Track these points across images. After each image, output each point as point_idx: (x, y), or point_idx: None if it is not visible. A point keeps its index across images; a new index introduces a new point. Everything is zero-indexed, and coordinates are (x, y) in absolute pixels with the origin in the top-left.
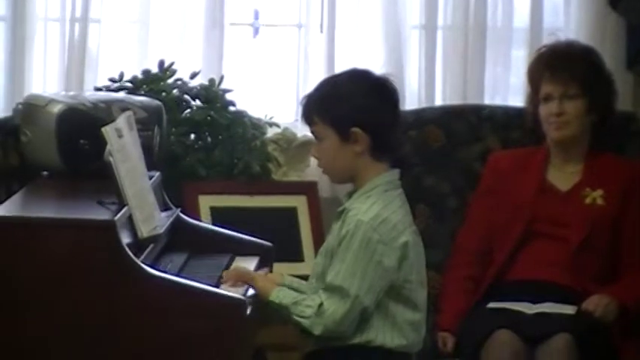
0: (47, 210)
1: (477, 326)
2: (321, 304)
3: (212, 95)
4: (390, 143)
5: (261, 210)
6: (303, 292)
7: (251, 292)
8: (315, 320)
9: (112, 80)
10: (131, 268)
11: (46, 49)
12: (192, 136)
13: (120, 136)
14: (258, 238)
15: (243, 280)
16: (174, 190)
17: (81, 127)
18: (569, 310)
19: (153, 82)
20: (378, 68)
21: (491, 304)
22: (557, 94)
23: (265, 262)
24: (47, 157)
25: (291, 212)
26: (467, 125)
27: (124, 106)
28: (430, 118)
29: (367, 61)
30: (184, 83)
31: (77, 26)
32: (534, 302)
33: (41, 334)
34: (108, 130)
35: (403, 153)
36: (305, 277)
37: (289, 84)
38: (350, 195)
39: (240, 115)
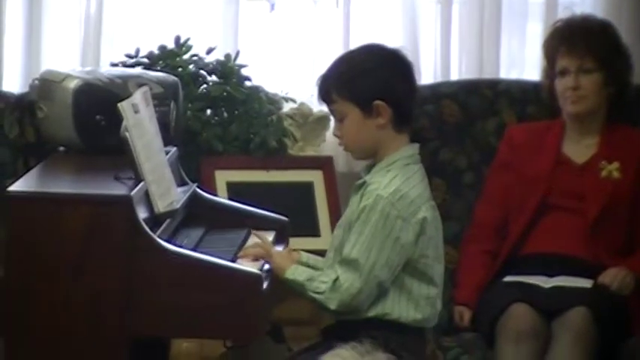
0: (64, 185)
1: (493, 300)
2: (336, 279)
3: (228, 71)
4: (411, 114)
5: (278, 185)
6: (320, 268)
7: (267, 266)
8: (329, 295)
9: (129, 56)
10: (148, 243)
11: (62, 24)
12: (209, 111)
13: (136, 111)
14: (275, 213)
15: (262, 257)
16: (191, 165)
17: (97, 103)
18: (585, 283)
19: (169, 57)
20: (394, 43)
21: (508, 278)
22: (573, 68)
23: (281, 237)
24: (63, 132)
25: (308, 187)
26: (483, 100)
27: (140, 82)
28: (446, 92)
29: (383, 35)
30: (200, 59)
31: (93, 2)
32: (551, 276)
33: (57, 308)
34: (124, 106)
35: (418, 127)
36: (321, 252)
37: (305, 59)
38: (369, 168)
39: (256, 91)
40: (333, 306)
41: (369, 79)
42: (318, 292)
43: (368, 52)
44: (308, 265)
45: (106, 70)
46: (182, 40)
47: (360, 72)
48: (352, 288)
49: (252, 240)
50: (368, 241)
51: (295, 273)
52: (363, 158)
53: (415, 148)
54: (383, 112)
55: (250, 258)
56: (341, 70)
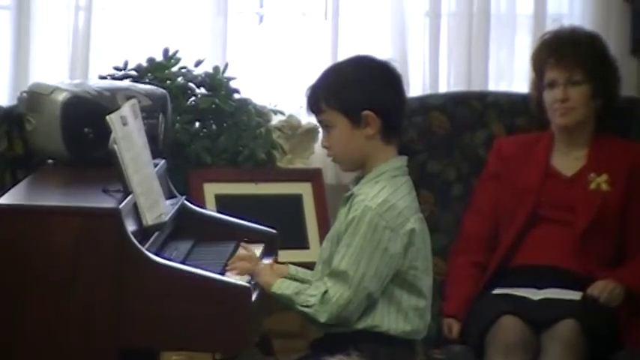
0: (52, 198)
1: (482, 312)
2: (325, 292)
3: (216, 83)
4: (399, 125)
5: (266, 197)
6: (309, 281)
7: None
8: (319, 308)
9: (117, 68)
10: (136, 256)
11: (50, 37)
12: (197, 123)
13: (124, 124)
14: (263, 225)
15: (248, 273)
16: (180, 178)
17: (86, 115)
18: (574, 295)
19: (157, 70)
20: (382, 55)
21: (497, 290)
22: (561, 80)
23: (270, 250)
24: (52, 145)
25: (296, 199)
26: (471, 112)
27: (128, 94)
28: (435, 104)
29: (372, 47)
30: (189, 71)
31: (82, 14)
32: (540, 288)
33: (47, 320)
34: (112, 118)
35: (407, 139)
36: (310, 264)
37: (294, 71)
38: (357, 180)
39: (245, 103)
40: (322, 319)
41: (358, 89)
42: (307, 306)
43: (357, 63)
44: (296, 279)
45: (94, 82)
46: (170, 53)
47: (350, 82)
48: (341, 300)
49: (241, 251)
50: (357, 252)
51: (282, 287)
52: (351, 169)
53: (403, 160)
54: (372, 123)
55: (237, 272)
56: (330, 80)
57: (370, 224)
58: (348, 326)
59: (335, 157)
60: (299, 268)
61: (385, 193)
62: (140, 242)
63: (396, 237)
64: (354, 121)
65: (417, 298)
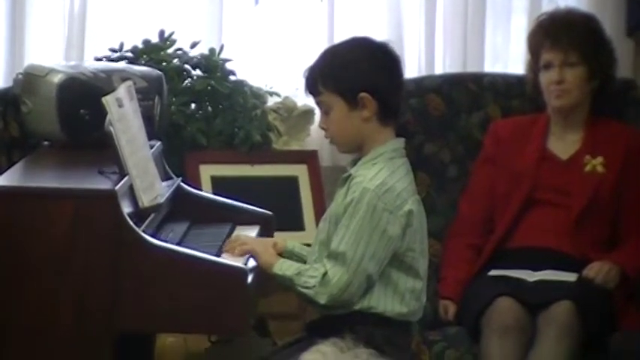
0: (48, 180)
1: (478, 294)
2: (325, 274)
3: (212, 65)
4: (396, 107)
5: (262, 179)
6: (305, 256)
7: (252, 261)
8: (319, 289)
9: (113, 50)
10: (132, 238)
11: (46, 18)
12: (193, 105)
13: (120, 105)
14: (259, 207)
15: (246, 254)
16: (175, 159)
17: (81, 97)
18: (570, 277)
19: (153, 51)
20: (378, 37)
21: (493, 272)
22: (557, 61)
23: (266, 232)
24: (48, 127)
25: (292, 181)
26: (467, 93)
27: (124, 76)
28: (431, 86)
29: (368, 29)
30: (185, 53)
31: None
32: (535, 270)
33: (43, 302)
34: (108, 100)
35: (402, 120)
36: (306, 246)
37: (290, 53)
38: (355, 162)
39: (241, 85)
40: (322, 300)
41: (355, 71)
42: (307, 287)
43: (355, 44)
44: (293, 254)
45: (90, 64)
46: (166, 34)
47: (346, 64)
48: (341, 282)
49: (237, 233)
50: (355, 234)
51: (283, 268)
52: (348, 151)
53: (401, 142)
54: (368, 105)
55: (235, 253)
56: (327, 62)
57: (369, 206)
58: (348, 308)
59: (332, 139)
60: (296, 243)
61: (383, 175)
62: (136, 224)
63: (394, 219)
64: (350, 103)
65: (413, 280)
